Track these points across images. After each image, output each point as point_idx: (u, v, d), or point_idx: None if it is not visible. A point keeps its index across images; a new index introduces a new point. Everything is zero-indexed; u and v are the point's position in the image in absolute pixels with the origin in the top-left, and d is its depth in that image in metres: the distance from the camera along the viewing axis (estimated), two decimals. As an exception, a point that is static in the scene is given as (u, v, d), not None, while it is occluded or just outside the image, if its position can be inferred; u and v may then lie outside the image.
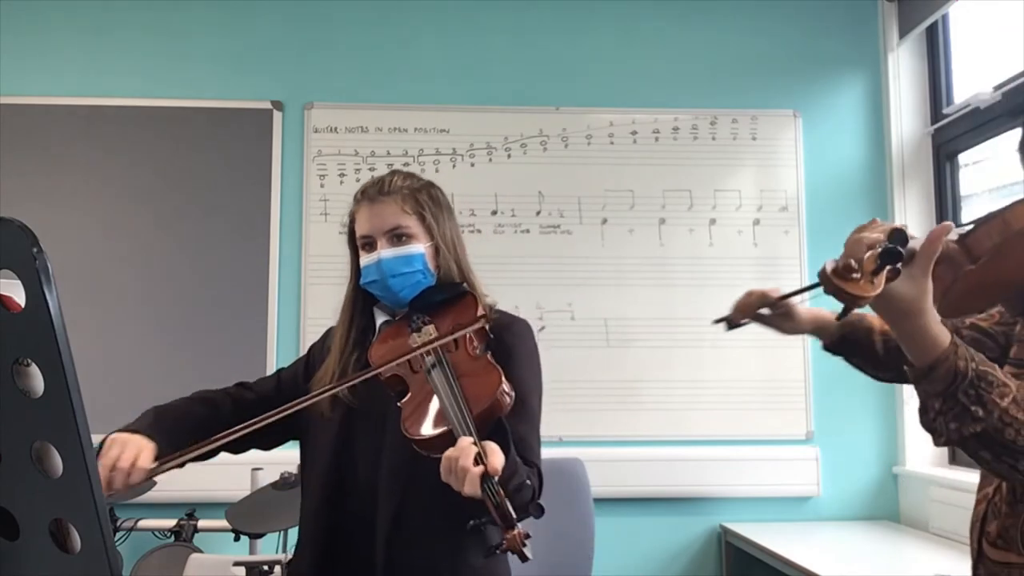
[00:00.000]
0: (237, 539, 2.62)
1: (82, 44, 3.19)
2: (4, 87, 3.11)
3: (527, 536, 1.17)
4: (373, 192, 1.51)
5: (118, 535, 2.61)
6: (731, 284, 3.20)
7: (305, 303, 3.10)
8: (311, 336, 3.05)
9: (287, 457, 2.86)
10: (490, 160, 3.21)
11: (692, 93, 3.29)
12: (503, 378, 1.32)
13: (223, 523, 2.48)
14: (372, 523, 1.42)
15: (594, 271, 3.16)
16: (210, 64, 3.21)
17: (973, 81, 3.06)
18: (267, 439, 1.56)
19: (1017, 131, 1.30)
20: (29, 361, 0.82)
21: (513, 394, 1.33)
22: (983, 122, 2.93)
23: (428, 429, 1.29)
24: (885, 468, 3.17)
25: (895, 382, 1.53)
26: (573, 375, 3.07)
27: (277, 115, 3.19)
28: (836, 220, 3.25)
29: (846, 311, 0.94)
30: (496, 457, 1.19)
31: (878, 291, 0.92)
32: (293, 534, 2.60)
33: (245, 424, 1.36)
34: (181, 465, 1.34)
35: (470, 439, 1.20)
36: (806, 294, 1.52)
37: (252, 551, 2.66)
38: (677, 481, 3.09)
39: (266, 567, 2.06)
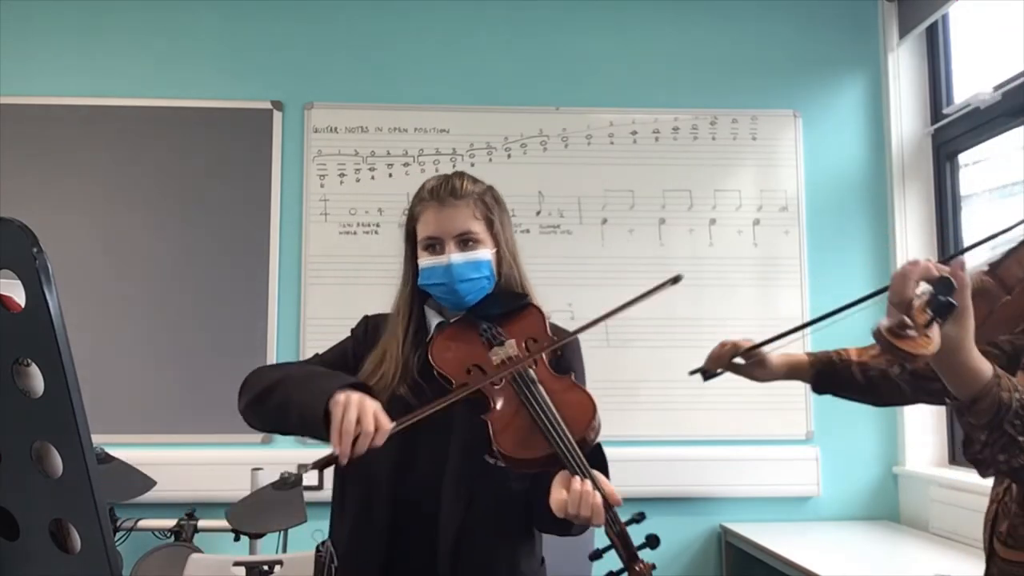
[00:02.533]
0: (237, 539, 2.62)
1: (82, 44, 3.18)
2: (4, 87, 3.11)
3: (653, 567, 1.20)
4: (444, 194, 1.48)
5: (118, 535, 2.61)
6: (731, 284, 3.20)
7: (305, 303, 3.10)
8: (311, 336, 3.06)
9: (287, 457, 2.86)
10: (490, 160, 3.21)
11: (692, 93, 3.29)
12: (595, 403, 1.33)
13: (223, 523, 2.48)
14: (435, 528, 1.40)
15: (594, 271, 3.16)
16: (210, 64, 3.21)
17: (973, 81, 3.06)
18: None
19: (1019, 130, 1.31)
20: (29, 361, 0.82)
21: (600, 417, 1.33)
22: (983, 122, 2.93)
23: (531, 451, 1.28)
24: (885, 468, 3.17)
25: (884, 405, 1.55)
26: (573, 375, 3.06)
27: (277, 115, 3.18)
28: (836, 220, 3.25)
29: (903, 367, 0.93)
30: (610, 486, 1.23)
31: (935, 346, 0.91)
32: (293, 534, 2.62)
33: (459, 392, 1.33)
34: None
35: (580, 469, 1.23)
36: (787, 337, 1.53)
37: (252, 551, 2.66)
38: (677, 481, 3.09)
39: (266, 567, 2.06)
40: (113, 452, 2.58)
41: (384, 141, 3.20)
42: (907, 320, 0.91)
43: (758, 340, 1.58)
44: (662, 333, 3.15)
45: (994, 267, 1.06)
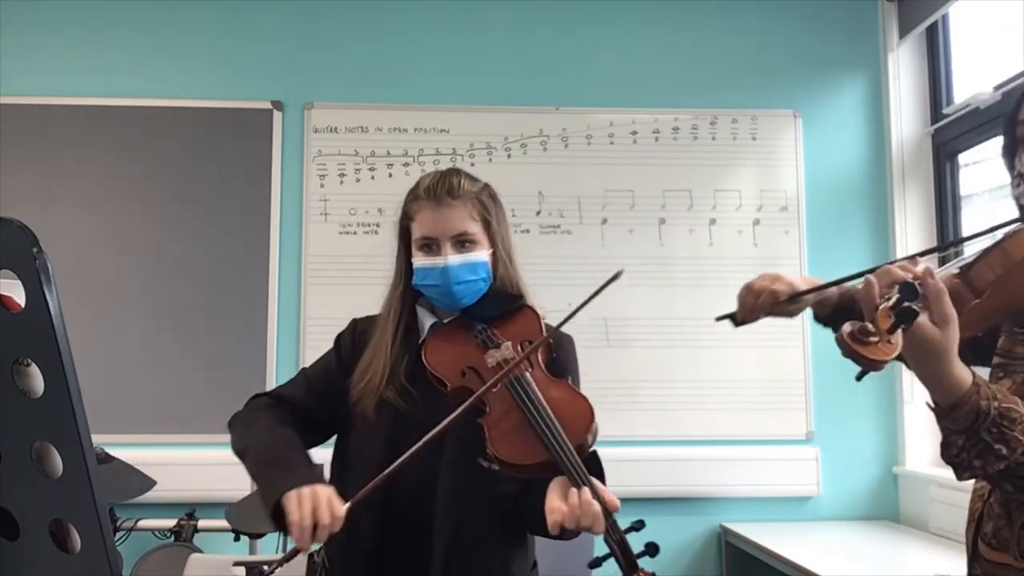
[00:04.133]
0: (237, 539, 2.62)
1: (82, 44, 3.18)
2: (4, 87, 3.11)
3: (653, 575, 1.18)
4: (441, 193, 1.44)
5: (118, 535, 2.61)
6: (731, 284, 3.17)
7: (305, 303, 3.10)
8: (311, 336, 3.06)
9: (287, 457, 2.80)
10: (490, 160, 3.21)
11: (692, 93, 3.29)
12: (593, 409, 1.31)
13: (223, 523, 2.48)
14: (428, 533, 1.37)
15: (594, 271, 3.16)
16: (210, 64, 3.21)
17: (973, 81, 3.06)
18: (321, 436, 1.53)
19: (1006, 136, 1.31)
20: (29, 361, 0.82)
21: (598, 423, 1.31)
22: (983, 122, 2.93)
23: (528, 456, 1.26)
24: (885, 468, 3.17)
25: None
26: (573, 375, 3.06)
27: (277, 115, 3.18)
28: (836, 220, 3.25)
29: (863, 373, 0.92)
30: (609, 494, 1.20)
31: (897, 351, 0.92)
32: (293, 534, 2.62)
33: (418, 445, 1.27)
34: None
35: (578, 477, 1.21)
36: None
37: (252, 551, 2.66)
38: (677, 481, 3.09)
39: (266, 567, 2.06)
40: (113, 452, 2.58)
41: (384, 141, 3.20)
42: (870, 326, 0.91)
43: (791, 282, 1.51)
44: (662, 333, 3.15)
45: (965, 270, 1.06)
